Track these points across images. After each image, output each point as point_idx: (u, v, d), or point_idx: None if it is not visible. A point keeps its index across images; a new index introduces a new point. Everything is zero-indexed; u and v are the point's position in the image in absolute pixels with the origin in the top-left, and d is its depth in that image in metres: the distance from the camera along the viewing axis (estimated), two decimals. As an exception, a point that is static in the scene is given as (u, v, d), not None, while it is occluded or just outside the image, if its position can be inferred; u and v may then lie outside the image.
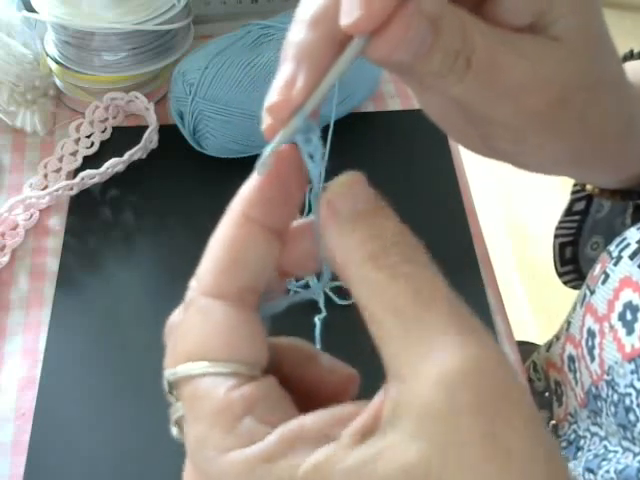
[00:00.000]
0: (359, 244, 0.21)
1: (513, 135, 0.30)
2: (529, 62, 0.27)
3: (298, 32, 0.23)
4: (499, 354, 0.20)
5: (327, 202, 0.22)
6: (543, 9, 0.27)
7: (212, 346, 0.22)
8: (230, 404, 0.21)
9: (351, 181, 0.22)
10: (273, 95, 0.23)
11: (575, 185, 0.50)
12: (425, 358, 0.19)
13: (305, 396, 0.24)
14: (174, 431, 0.23)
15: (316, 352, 0.25)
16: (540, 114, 0.29)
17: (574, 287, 0.57)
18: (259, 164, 0.23)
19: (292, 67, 0.23)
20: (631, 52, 0.45)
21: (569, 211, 0.54)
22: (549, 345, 0.54)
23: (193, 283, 0.23)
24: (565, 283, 0.58)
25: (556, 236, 0.55)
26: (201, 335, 0.22)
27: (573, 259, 0.56)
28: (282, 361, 0.25)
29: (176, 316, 0.24)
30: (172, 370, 0.22)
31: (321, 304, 0.21)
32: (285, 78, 0.23)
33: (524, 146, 0.31)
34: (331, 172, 0.23)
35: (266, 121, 0.23)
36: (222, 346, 0.22)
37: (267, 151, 0.23)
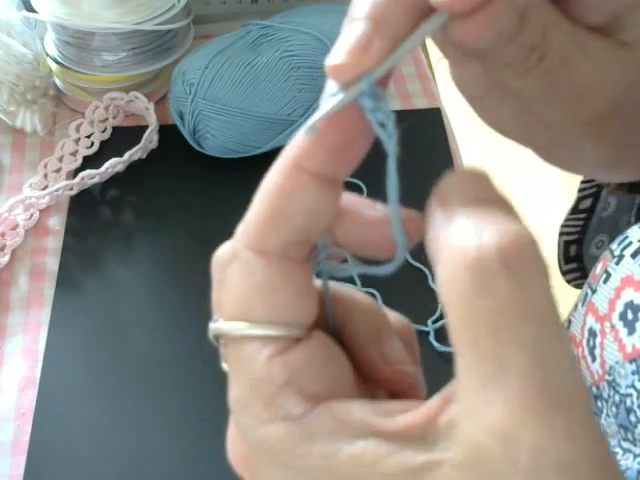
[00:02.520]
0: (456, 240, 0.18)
1: (553, 134, 0.30)
2: (597, 66, 0.26)
3: None
4: (579, 426, 0.17)
5: (439, 193, 0.20)
6: (622, 12, 0.26)
7: (253, 306, 0.21)
8: (270, 373, 0.20)
9: (471, 175, 0.20)
10: (340, 54, 0.20)
11: (582, 183, 0.50)
12: (495, 405, 0.17)
13: (362, 360, 0.23)
14: (225, 367, 0.22)
15: (387, 336, 0.23)
16: (587, 125, 0.29)
17: (576, 286, 0.57)
18: (309, 125, 0.20)
19: (368, 28, 0.20)
20: None
21: (575, 209, 0.54)
22: (550, 345, 0.54)
23: (240, 229, 0.22)
24: (568, 282, 0.58)
25: (561, 234, 0.55)
26: (243, 294, 0.21)
27: (577, 257, 0.56)
28: (352, 322, 0.23)
29: (224, 251, 0.22)
30: (215, 325, 0.21)
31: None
32: (358, 39, 0.20)
33: (560, 146, 0.31)
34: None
35: (329, 85, 0.21)
36: (263, 307, 0.21)
37: (322, 112, 0.20)
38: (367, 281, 0.56)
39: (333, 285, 0.23)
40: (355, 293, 0.24)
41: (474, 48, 0.23)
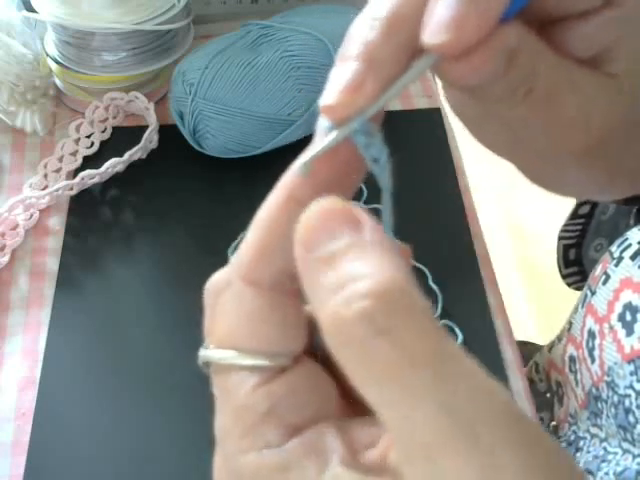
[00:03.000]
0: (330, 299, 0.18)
1: (545, 161, 0.31)
2: (585, 98, 0.26)
3: (371, 29, 0.21)
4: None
5: (299, 238, 0.20)
6: (609, 45, 0.26)
7: (241, 335, 0.21)
8: (253, 403, 0.21)
9: (325, 211, 0.19)
10: (333, 94, 0.21)
11: None
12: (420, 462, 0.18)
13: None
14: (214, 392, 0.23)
15: None
16: (578, 154, 0.29)
17: (577, 288, 0.57)
18: (302, 163, 0.21)
19: (360, 68, 0.21)
20: None
21: (574, 215, 0.54)
22: (551, 346, 0.54)
23: (235, 257, 0.22)
24: (569, 285, 0.58)
25: (560, 238, 0.56)
26: (232, 323, 0.21)
27: (577, 261, 0.56)
28: None
29: (218, 279, 0.23)
30: (204, 352, 0.22)
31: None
32: (351, 79, 0.21)
33: (551, 171, 0.32)
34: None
35: (322, 121, 0.21)
36: (251, 336, 0.21)
37: (315, 151, 0.21)
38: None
39: None
40: None
41: (463, 86, 0.23)
